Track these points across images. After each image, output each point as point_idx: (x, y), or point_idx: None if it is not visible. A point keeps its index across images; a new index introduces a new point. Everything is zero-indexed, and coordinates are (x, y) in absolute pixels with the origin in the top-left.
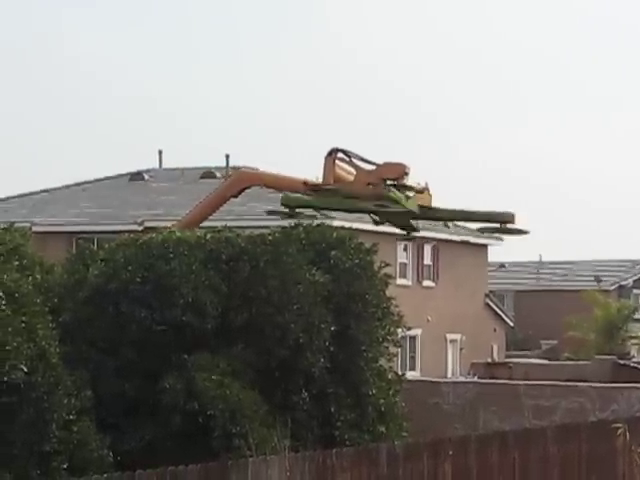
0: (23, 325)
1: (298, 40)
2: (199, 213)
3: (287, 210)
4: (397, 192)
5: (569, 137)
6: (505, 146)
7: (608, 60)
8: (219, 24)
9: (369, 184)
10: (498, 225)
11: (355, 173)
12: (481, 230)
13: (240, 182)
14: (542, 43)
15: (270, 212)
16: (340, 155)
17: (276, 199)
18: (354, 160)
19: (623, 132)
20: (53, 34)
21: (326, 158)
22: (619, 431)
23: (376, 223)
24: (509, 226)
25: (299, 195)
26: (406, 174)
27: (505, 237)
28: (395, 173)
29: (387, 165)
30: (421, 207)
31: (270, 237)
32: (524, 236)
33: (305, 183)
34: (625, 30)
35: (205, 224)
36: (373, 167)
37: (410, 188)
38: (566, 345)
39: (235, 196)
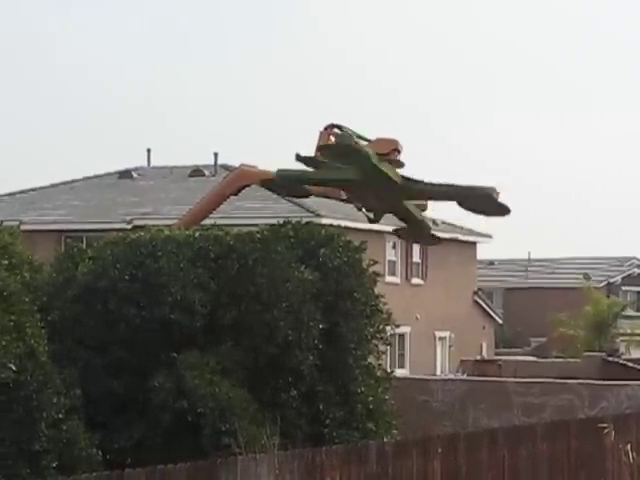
0: (12, 324)
1: (287, 39)
2: (199, 212)
3: (371, 216)
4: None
5: (556, 134)
6: (491, 142)
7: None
8: (207, 23)
9: None
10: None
11: None
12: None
13: (240, 180)
14: (529, 42)
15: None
16: (335, 130)
17: (264, 197)
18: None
19: (612, 130)
20: (44, 33)
21: (321, 132)
22: (608, 428)
23: (370, 221)
24: (492, 201)
25: (294, 169)
26: (397, 150)
27: (486, 218)
28: (386, 148)
29: (379, 140)
30: (405, 179)
31: (259, 235)
32: (505, 216)
33: None
34: (620, 30)
35: None
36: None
37: (400, 164)
38: (555, 342)
39: (235, 194)
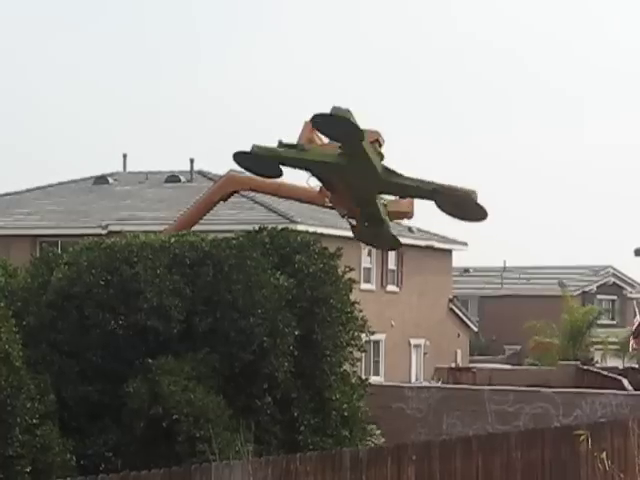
0: None
1: (265, 43)
2: (188, 218)
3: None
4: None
5: (530, 142)
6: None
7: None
8: (182, 28)
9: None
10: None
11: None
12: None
13: (229, 186)
14: (514, 42)
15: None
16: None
17: (241, 204)
18: None
19: (588, 139)
20: (20, 35)
21: (305, 122)
22: (582, 437)
23: (354, 231)
24: (472, 203)
25: (271, 146)
26: (379, 142)
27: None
28: (369, 139)
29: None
30: (386, 170)
31: (234, 241)
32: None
33: None
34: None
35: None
36: None
37: (381, 155)
38: (531, 350)
39: (224, 200)
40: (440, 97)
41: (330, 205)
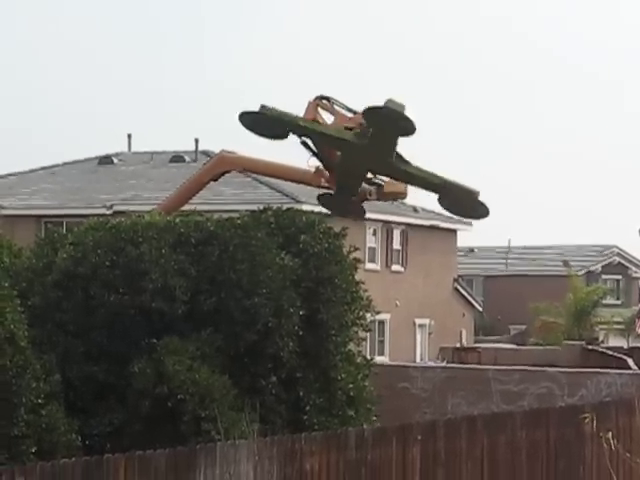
0: None
1: (268, 25)
2: (178, 197)
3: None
4: None
5: (534, 120)
6: (477, 129)
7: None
8: (186, 8)
9: (346, 128)
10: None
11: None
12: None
13: (220, 166)
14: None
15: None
16: (324, 102)
17: (245, 183)
18: (336, 107)
19: (586, 116)
20: (22, 17)
21: (310, 102)
22: (587, 416)
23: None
24: (474, 201)
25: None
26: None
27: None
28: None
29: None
30: (397, 156)
31: (239, 221)
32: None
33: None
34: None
35: None
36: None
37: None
38: (536, 330)
39: (215, 180)
40: (446, 79)
41: (326, 185)
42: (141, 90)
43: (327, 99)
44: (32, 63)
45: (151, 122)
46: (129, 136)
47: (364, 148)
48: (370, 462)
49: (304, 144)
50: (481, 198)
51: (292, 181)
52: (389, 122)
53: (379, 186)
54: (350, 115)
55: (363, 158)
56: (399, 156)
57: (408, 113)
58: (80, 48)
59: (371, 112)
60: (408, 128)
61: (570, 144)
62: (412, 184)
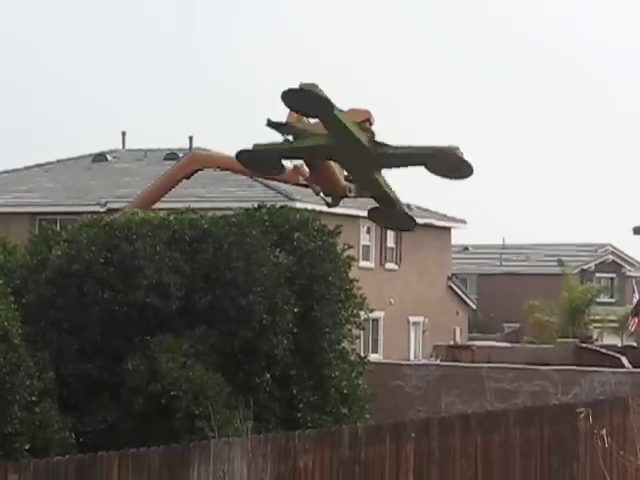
0: None
1: (266, 23)
2: (150, 195)
3: (329, 200)
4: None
5: (532, 118)
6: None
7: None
8: (182, 6)
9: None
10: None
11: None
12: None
13: (192, 164)
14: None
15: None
16: None
17: (240, 182)
18: None
19: (581, 115)
20: (17, 16)
21: None
22: (581, 415)
23: (328, 205)
24: (458, 160)
25: (271, 142)
26: (369, 121)
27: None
28: (359, 118)
29: (352, 110)
30: (374, 143)
31: (234, 219)
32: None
33: None
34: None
35: (168, 206)
36: None
37: (372, 133)
38: (529, 328)
39: (187, 178)
40: (446, 79)
41: (304, 183)
42: (135, 87)
43: None
44: (28, 61)
45: (145, 119)
46: (123, 133)
47: (337, 146)
48: (364, 460)
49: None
50: (464, 155)
51: (270, 179)
52: (308, 104)
53: (390, 187)
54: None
55: (345, 156)
56: (376, 142)
57: (320, 92)
58: (75, 46)
59: (285, 98)
60: (321, 105)
61: (565, 143)
62: (400, 166)
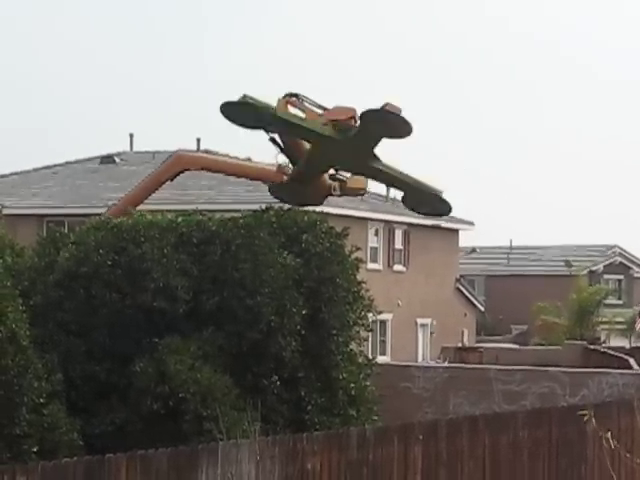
0: None
1: (272, 24)
2: (135, 196)
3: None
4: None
5: (539, 118)
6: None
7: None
8: (188, 7)
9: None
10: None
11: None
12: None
13: (178, 165)
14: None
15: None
16: (294, 99)
17: (248, 183)
18: (306, 104)
19: (588, 116)
20: (23, 18)
21: (279, 99)
22: (589, 416)
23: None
24: (440, 201)
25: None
26: (354, 118)
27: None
28: (344, 115)
29: (337, 108)
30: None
31: (241, 221)
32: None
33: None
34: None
35: (176, 207)
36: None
37: (355, 130)
38: (538, 330)
39: (171, 179)
40: (449, 79)
41: (271, 191)
42: (143, 90)
43: (296, 96)
44: (34, 62)
45: (153, 122)
46: (131, 136)
47: (343, 145)
48: (372, 462)
49: (272, 140)
50: (444, 196)
51: (254, 179)
52: (384, 125)
53: (342, 182)
54: (320, 112)
55: (339, 154)
56: (374, 155)
57: (405, 115)
58: (82, 47)
59: (369, 114)
60: (405, 130)
61: (572, 144)
62: (384, 183)
